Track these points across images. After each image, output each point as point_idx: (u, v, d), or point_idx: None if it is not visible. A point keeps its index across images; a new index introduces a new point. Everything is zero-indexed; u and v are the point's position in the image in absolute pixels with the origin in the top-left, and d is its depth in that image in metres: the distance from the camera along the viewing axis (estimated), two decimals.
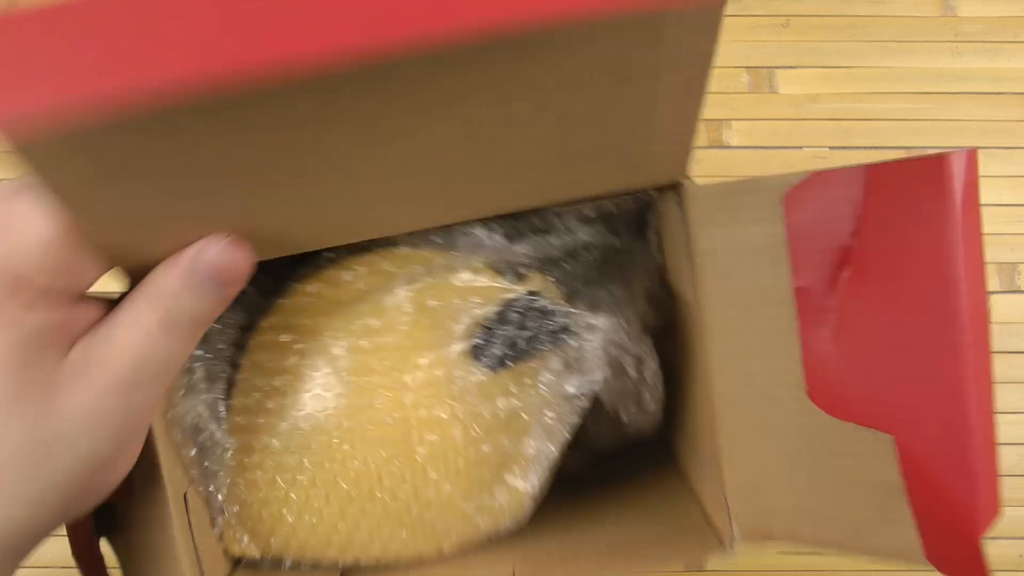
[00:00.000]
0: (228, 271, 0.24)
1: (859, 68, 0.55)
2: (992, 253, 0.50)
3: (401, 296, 0.33)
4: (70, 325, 0.23)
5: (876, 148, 0.53)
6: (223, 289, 0.24)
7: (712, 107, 0.54)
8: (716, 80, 0.55)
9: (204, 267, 0.24)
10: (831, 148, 0.53)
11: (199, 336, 0.25)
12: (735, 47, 0.55)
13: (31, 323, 0.22)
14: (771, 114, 0.54)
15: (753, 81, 0.55)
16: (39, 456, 0.22)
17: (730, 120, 0.54)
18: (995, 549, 0.42)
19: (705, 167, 0.53)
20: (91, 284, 0.24)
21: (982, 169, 0.53)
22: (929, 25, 0.55)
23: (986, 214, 0.52)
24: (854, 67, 0.55)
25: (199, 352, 0.33)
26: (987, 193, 0.53)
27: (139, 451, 0.26)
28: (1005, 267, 0.52)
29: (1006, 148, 0.53)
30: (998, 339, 0.51)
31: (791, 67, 0.55)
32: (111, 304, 0.25)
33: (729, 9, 0.55)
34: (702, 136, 0.54)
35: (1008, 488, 0.45)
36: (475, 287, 0.33)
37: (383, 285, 0.33)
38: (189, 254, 0.24)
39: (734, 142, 0.54)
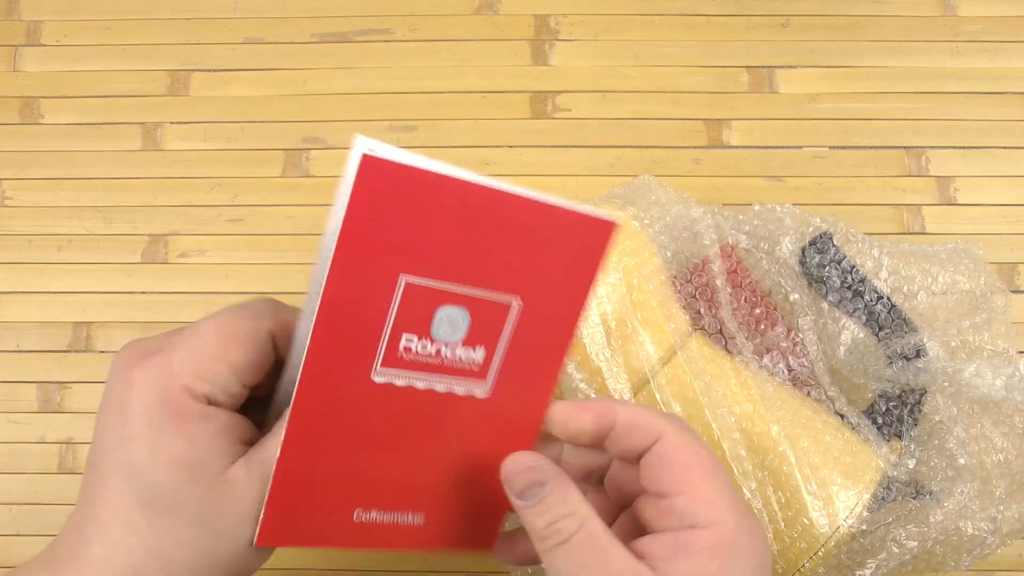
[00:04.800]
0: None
1: (859, 68, 0.55)
2: (992, 253, 0.50)
3: None
4: (239, 432, 0.28)
5: (876, 148, 0.53)
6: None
7: (712, 107, 0.54)
8: (716, 80, 0.55)
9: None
10: (831, 148, 0.53)
11: None
12: (735, 47, 0.55)
13: (211, 427, 0.27)
14: (771, 114, 0.54)
15: (753, 81, 0.55)
16: (202, 542, 0.27)
17: (730, 120, 0.54)
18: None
19: (705, 167, 0.53)
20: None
21: (982, 169, 0.53)
22: (929, 25, 0.55)
23: (986, 214, 0.52)
24: (854, 67, 0.55)
25: None
26: (987, 193, 0.53)
27: None
28: (1005, 267, 0.52)
29: (1006, 148, 0.53)
30: None
31: (791, 67, 0.55)
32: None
33: (729, 9, 0.56)
34: (702, 136, 0.54)
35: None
36: None
37: None
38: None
39: (734, 142, 0.54)
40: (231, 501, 0.27)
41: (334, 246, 0.25)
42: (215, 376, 0.27)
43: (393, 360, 0.28)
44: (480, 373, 0.29)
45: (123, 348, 0.28)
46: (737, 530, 0.27)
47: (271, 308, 0.29)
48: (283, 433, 0.27)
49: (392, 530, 0.31)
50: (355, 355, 0.27)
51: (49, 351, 0.51)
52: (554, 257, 0.28)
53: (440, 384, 0.29)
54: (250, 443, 0.29)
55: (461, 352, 0.28)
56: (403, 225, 0.26)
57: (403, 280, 0.26)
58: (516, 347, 0.29)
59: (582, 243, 0.28)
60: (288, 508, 0.28)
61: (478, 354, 0.28)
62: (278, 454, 0.27)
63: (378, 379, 0.28)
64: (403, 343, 0.27)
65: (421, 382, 0.28)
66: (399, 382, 0.28)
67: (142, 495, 0.26)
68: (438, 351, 0.28)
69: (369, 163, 0.24)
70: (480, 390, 0.29)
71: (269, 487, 0.28)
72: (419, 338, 0.28)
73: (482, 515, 0.32)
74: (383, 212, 0.25)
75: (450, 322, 0.28)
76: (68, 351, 0.51)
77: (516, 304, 0.28)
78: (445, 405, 0.29)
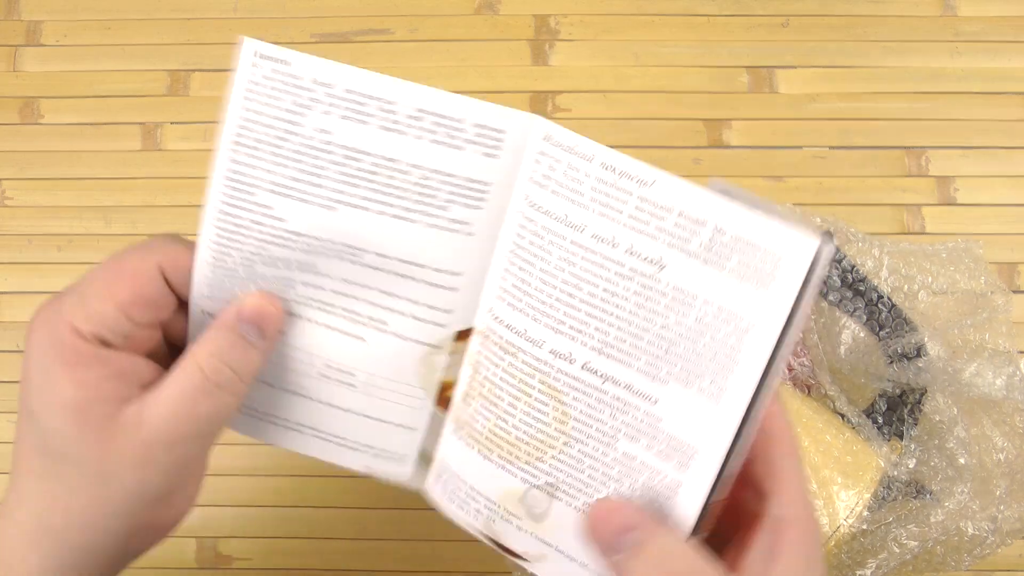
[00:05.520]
0: (268, 317, 0.28)
1: (859, 68, 0.55)
2: (992, 253, 0.50)
3: None
4: (135, 374, 0.27)
5: (876, 148, 0.53)
6: (263, 338, 0.28)
7: (712, 107, 0.54)
8: (716, 80, 0.55)
9: (247, 315, 0.27)
10: (831, 148, 0.53)
11: (243, 391, 0.28)
12: (735, 47, 0.55)
13: (102, 370, 0.26)
14: (771, 114, 0.54)
15: (753, 81, 0.55)
16: (97, 488, 0.26)
17: (730, 120, 0.54)
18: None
19: (705, 167, 0.53)
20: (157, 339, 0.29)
21: (982, 169, 0.53)
22: (929, 25, 0.55)
23: (986, 214, 0.52)
24: (854, 67, 0.55)
25: None
26: (987, 193, 0.53)
27: (197, 492, 0.30)
28: (1005, 267, 0.52)
29: (1006, 148, 0.53)
30: None
31: (791, 67, 0.55)
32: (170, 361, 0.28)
33: (729, 9, 0.56)
34: (702, 136, 0.54)
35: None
36: None
37: None
38: (231, 309, 0.27)
39: (734, 142, 0.54)
40: (121, 444, 0.26)
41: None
42: (101, 315, 0.26)
43: None
44: None
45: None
46: (814, 521, 0.27)
47: (161, 242, 0.28)
48: (178, 370, 0.27)
49: None
50: None
51: None
52: None
53: None
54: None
55: None
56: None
57: None
58: None
59: None
60: None
61: None
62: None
63: None
64: None
65: None
66: None
67: (39, 441, 0.27)
68: None
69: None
70: None
71: None
72: None
73: None
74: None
75: None
76: None
77: None
78: None
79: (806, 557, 0.26)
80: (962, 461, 0.38)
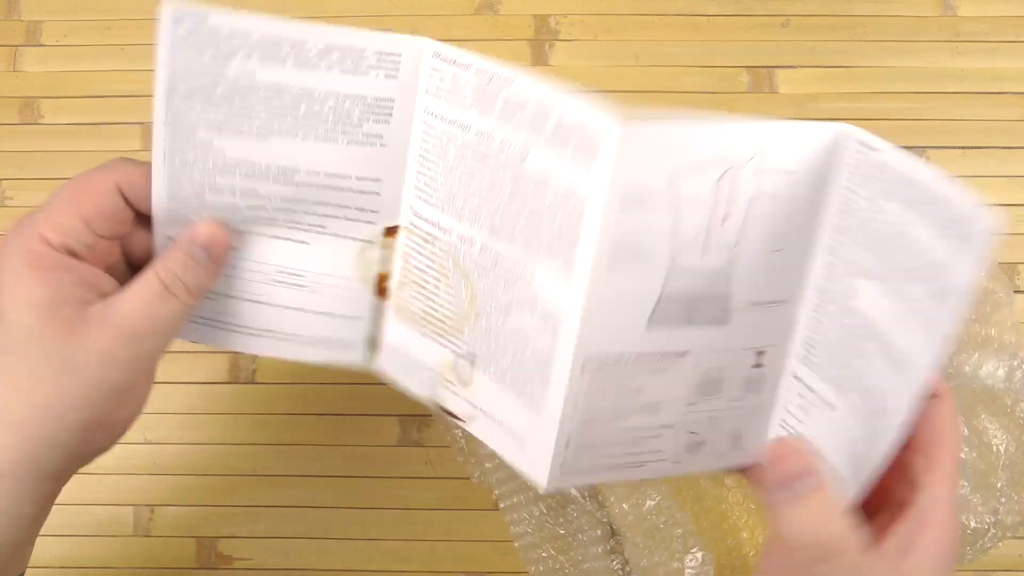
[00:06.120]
0: (216, 241, 0.32)
1: (859, 68, 0.55)
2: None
3: None
4: (96, 283, 0.30)
5: None
6: (211, 260, 0.32)
7: (712, 107, 0.54)
8: (716, 80, 0.55)
9: (199, 240, 0.31)
10: None
11: (193, 302, 0.32)
12: (735, 47, 0.55)
13: (68, 275, 0.29)
14: (771, 114, 0.54)
15: (753, 81, 0.55)
16: (62, 378, 0.29)
17: None
18: (995, 549, 0.42)
19: None
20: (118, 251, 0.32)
21: (982, 169, 0.53)
22: (929, 25, 0.55)
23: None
24: (854, 67, 0.55)
25: None
26: (987, 193, 0.53)
27: (147, 395, 0.32)
28: (1005, 267, 0.52)
29: (1006, 148, 0.53)
30: None
31: (791, 67, 0.55)
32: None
33: (729, 9, 0.55)
34: None
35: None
36: None
37: None
38: (187, 233, 0.31)
39: None
40: (88, 338, 0.29)
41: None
42: (68, 227, 0.30)
43: None
44: None
45: None
46: (956, 525, 0.29)
47: (119, 163, 0.32)
48: (140, 280, 0.31)
49: None
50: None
51: None
52: None
53: None
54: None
55: None
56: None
57: None
58: None
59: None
60: None
61: None
62: None
63: None
64: None
65: None
66: None
67: (4, 340, 0.29)
68: None
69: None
70: None
71: None
72: None
73: None
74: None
75: None
76: None
77: None
78: None
79: (942, 556, 0.27)
80: (962, 456, 0.38)
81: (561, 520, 0.43)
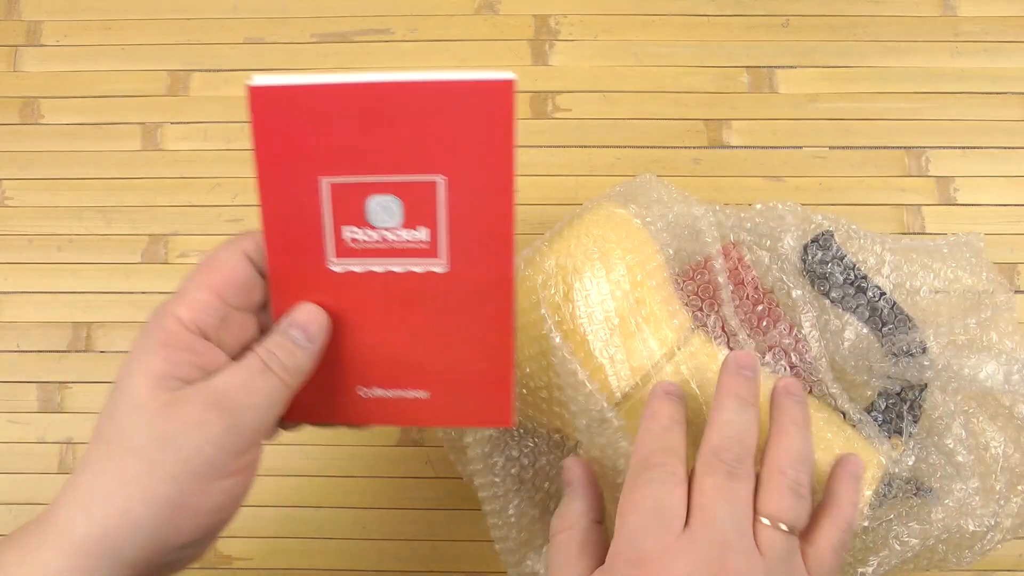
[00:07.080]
0: (312, 326, 0.32)
1: (859, 68, 0.55)
2: (992, 253, 0.50)
3: None
4: (219, 367, 0.30)
5: (876, 148, 0.53)
6: (309, 342, 0.32)
7: (712, 107, 0.54)
8: (716, 80, 0.55)
9: (296, 323, 0.32)
10: (831, 148, 0.54)
11: (292, 381, 0.31)
12: (735, 47, 0.55)
13: (190, 356, 0.29)
14: (771, 114, 0.54)
15: (753, 81, 0.55)
16: (153, 450, 0.28)
17: (730, 120, 0.54)
18: (995, 550, 0.42)
19: (705, 167, 0.53)
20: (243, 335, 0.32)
21: (982, 169, 0.53)
22: (929, 25, 0.55)
23: (986, 214, 0.52)
24: (854, 67, 0.55)
25: None
26: (987, 193, 0.53)
27: (242, 492, 0.31)
28: (1005, 267, 0.52)
29: (1006, 148, 0.53)
30: None
31: (791, 67, 0.55)
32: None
33: (729, 9, 0.56)
34: (702, 136, 0.54)
35: None
36: None
37: None
38: (285, 318, 0.32)
39: (734, 142, 0.54)
40: (184, 408, 0.29)
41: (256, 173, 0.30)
42: (199, 301, 0.30)
43: (344, 251, 0.31)
44: (430, 251, 0.31)
45: None
46: None
47: (245, 234, 0.32)
48: (247, 354, 0.31)
49: (399, 406, 0.34)
50: (308, 252, 0.31)
51: (49, 351, 0.51)
52: (463, 129, 0.29)
53: (396, 266, 0.32)
54: None
55: (404, 234, 0.31)
56: (307, 136, 0.29)
57: (324, 182, 0.30)
58: (457, 222, 0.31)
59: (485, 109, 0.29)
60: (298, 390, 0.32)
61: (422, 233, 0.31)
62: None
63: (337, 269, 0.32)
64: (347, 235, 0.31)
65: (377, 266, 0.32)
66: (357, 269, 0.32)
67: (116, 410, 0.29)
68: (383, 237, 0.31)
69: (257, 93, 0.29)
70: (438, 266, 0.32)
71: None
72: (360, 228, 0.31)
73: (487, 389, 0.34)
74: (284, 131, 0.29)
75: (384, 209, 0.31)
76: (68, 351, 0.51)
77: (442, 181, 0.30)
78: (410, 283, 0.32)
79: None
80: (960, 459, 0.38)
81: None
